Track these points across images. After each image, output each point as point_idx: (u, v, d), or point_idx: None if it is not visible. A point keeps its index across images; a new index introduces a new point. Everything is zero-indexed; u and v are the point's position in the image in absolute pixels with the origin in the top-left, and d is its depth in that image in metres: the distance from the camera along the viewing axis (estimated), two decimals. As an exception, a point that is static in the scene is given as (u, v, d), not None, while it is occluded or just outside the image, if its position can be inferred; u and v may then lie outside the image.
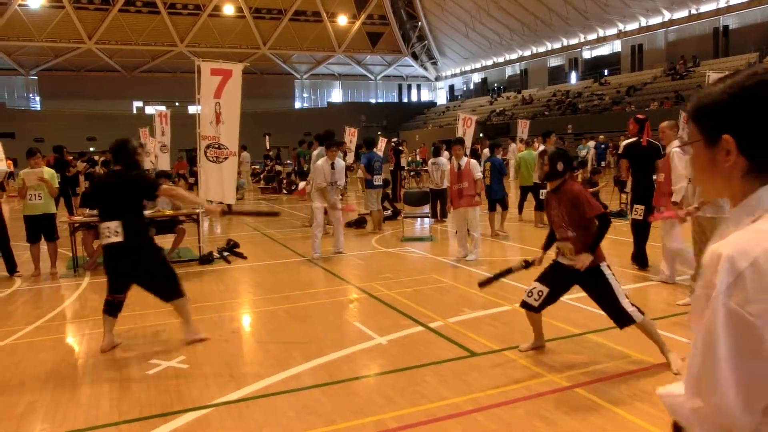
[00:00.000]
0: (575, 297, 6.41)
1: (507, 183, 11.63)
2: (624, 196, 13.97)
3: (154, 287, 5.23)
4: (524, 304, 4.78)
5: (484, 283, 4.97)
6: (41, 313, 6.59)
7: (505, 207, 11.12)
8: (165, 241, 9.62)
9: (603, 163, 22.97)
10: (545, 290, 4.68)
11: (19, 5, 45.84)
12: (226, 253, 9.46)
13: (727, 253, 1.04)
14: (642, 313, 4.41)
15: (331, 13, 54.41)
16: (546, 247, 4.93)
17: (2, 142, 24.04)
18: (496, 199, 10.97)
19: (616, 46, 43.89)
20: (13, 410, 4.05)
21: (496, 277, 4.91)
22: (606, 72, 43.90)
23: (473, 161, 9.00)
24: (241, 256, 9.47)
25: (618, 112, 33.01)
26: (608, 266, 4.56)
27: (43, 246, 8.70)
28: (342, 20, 54.91)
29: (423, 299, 6.59)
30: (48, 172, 8.58)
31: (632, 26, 41.11)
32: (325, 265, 8.76)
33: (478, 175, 8.88)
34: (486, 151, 14.18)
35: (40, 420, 3.91)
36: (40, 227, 8.53)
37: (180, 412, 3.95)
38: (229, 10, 51.42)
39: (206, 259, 9.12)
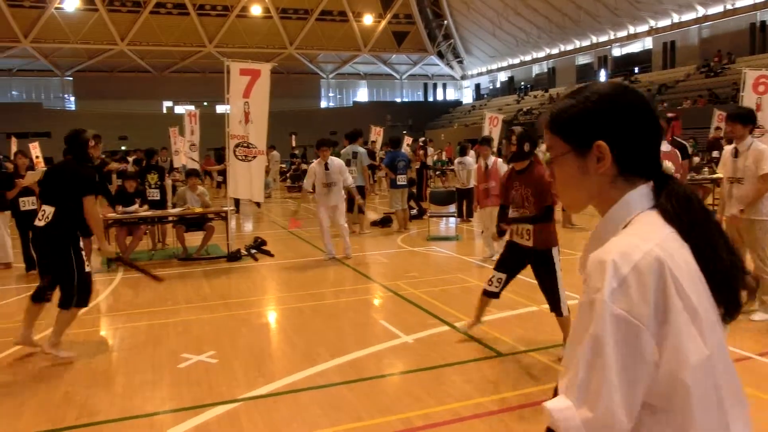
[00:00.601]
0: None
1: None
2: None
3: (58, 281, 5.00)
4: (486, 293, 5.04)
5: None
6: (75, 308, 6.74)
7: None
8: (195, 238, 9.80)
9: None
10: (503, 276, 4.94)
11: (56, 8, 46.87)
12: (253, 251, 9.57)
13: (611, 259, 1.05)
14: (568, 311, 4.69)
15: (357, 12, 54.56)
16: (500, 220, 5.11)
17: (39, 142, 24.66)
18: None
19: (647, 43, 43.21)
20: (51, 399, 4.18)
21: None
22: (636, 70, 43.28)
23: (500, 160, 8.95)
24: (268, 253, 9.58)
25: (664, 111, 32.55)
26: (558, 252, 4.76)
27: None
28: (368, 20, 55.03)
29: (449, 298, 6.60)
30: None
31: (664, 23, 40.44)
32: (351, 264, 8.82)
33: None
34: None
35: (77, 409, 4.02)
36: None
37: (210, 405, 4.02)
38: (256, 10, 51.90)
39: (234, 257, 9.24)
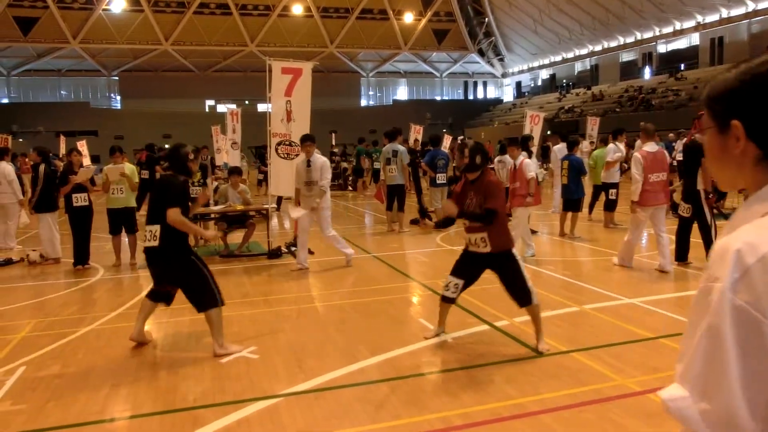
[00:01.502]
0: (648, 300, 6.25)
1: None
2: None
3: (185, 293, 5.12)
4: (444, 299, 5.18)
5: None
6: (122, 301, 6.94)
7: (577, 209, 10.62)
8: (236, 236, 9.94)
9: (674, 163, 22.06)
10: (461, 282, 5.08)
11: (103, 10, 48.15)
12: (293, 248, 9.66)
13: (736, 248, 0.99)
14: (538, 299, 4.94)
15: (397, 10, 54.57)
16: (439, 225, 5.42)
17: (87, 140, 25.37)
18: (574, 199, 10.52)
19: (694, 39, 42.11)
20: (99, 391, 4.31)
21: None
22: (682, 66, 42.21)
23: (527, 161, 8.85)
24: (308, 251, 9.65)
25: (696, 109, 31.73)
26: (516, 252, 5.02)
27: (124, 238, 9.17)
28: (408, 18, 54.99)
29: (489, 298, 6.54)
30: (129, 168, 9.01)
31: (712, 18, 39.32)
32: (389, 262, 8.83)
33: (531, 174, 8.65)
34: (556, 148, 13.91)
35: (122, 401, 4.14)
36: (122, 220, 8.98)
37: (251, 400, 4.09)
38: (297, 9, 52.38)
39: (275, 254, 9.35)
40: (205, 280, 5.01)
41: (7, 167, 9.89)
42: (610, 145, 11.68)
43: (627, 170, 14.91)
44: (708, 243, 7.73)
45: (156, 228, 4.99)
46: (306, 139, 8.38)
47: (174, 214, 4.93)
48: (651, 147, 7.85)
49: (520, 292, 4.91)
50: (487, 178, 4.96)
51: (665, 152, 8.11)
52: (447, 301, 5.20)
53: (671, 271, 7.64)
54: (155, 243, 4.98)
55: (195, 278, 5.01)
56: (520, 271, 4.92)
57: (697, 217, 7.85)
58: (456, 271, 5.12)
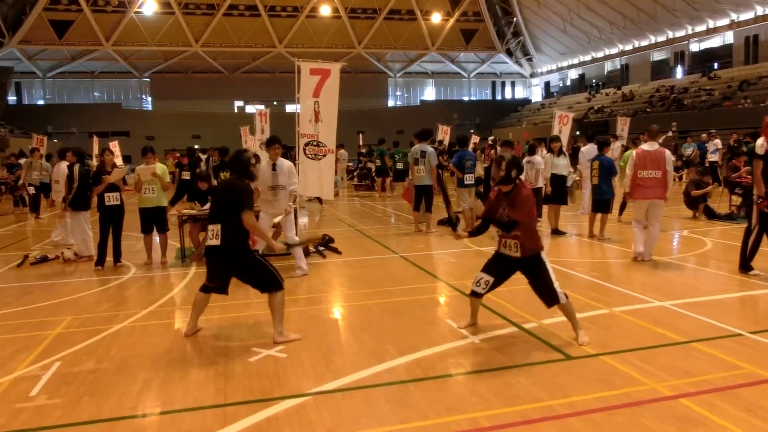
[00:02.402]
0: (679, 303, 6.15)
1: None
2: (734, 198, 13.17)
3: (250, 282, 5.45)
4: (473, 293, 5.44)
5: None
6: (153, 299, 7.06)
7: (606, 210, 10.49)
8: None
9: (706, 163, 21.61)
10: (491, 280, 5.33)
11: (135, 12, 48.97)
12: (321, 248, 9.73)
13: None
14: (566, 296, 5.16)
15: (425, 11, 54.52)
16: (473, 234, 5.65)
17: (118, 140, 25.82)
18: (604, 199, 10.40)
19: (728, 37, 41.31)
20: (132, 386, 4.39)
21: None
22: (716, 65, 41.41)
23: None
24: (335, 251, 9.71)
25: (729, 109, 31.10)
26: (545, 255, 5.28)
27: (155, 237, 9.32)
28: (436, 18, 54.89)
29: (517, 299, 6.51)
30: (160, 168, 9.15)
31: (747, 16, 38.52)
32: (417, 262, 8.83)
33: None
34: (584, 149, 13.75)
35: (154, 397, 4.21)
36: (153, 219, 9.13)
37: (279, 398, 4.12)
38: (325, 11, 52.65)
39: (304, 253, 9.40)
40: (266, 267, 5.34)
41: (64, 167, 10.13)
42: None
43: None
44: (744, 247, 7.48)
45: (218, 227, 5.26)
46: (273, 142, 8.06)
47: (250, 218, 5.28)
48: (649, 146, 8.43)
49: (546, 293, 5.15)
50: (521, 192, 5.23)
51: (664, 152, 8.39)
52: (475, 296, 5.45)
53: (648, 260, 8.34)
54: (217, 242, 5.24)
55: (256, 267, 5.33)
56: (547, 273, 5.17)
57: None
58: (487, 269, 5.39)
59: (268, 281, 5.33)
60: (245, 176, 5.54)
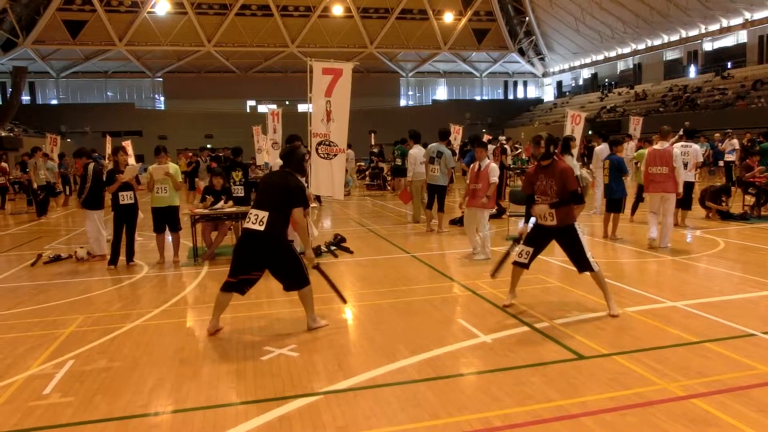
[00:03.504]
0: (692, 303, 6.11)
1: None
2: (748, 198, 13.05)
3: (281, 276, 5.55)
4: (516, 263, 6.08)
5: (494, 272, 6.43)
6: (166, 297, 7.11)
7: (619, 209, 10.44)
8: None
9: (720, 163, 21.40)
10: (531, 250, 6.00)
11: (148, 12, 49.26)
12: (333, 248, 9.74)
13: None
14: (598, 266, 5.83)
15: (437, 10, 54.40)
16: (527, 218, 6.17)
17: (131, 140, 25.99)
18: (615, 198, 10.38)
19: (742, 36, 40.92)
20: (144, 385, 4.42)
21: (502, 262, 6.37)
22: (729, 65, 41.03)
23: (493, 165, 9.12)
24: (347, 250, 9.73)
25: (743, 108, 30.81)
26: (579, 226, 5.96)
27: (168, 236, 9.37)
28: (448, 17, 54.75)
29: (528, 299, 6.49)
30: (173, 168, 9.20)
31: (761, 15, 38.11)
32: (429, 262, 8.82)
33: (494, 179, 8.92)
34: (597, 149, 13.67)
35: (167, 396, 4.24)
36: (165, 218, 9.18)
37: (291, 397, 4.14)
38: (338, 10, 52.67)
39: (315, 253, 9.41)
40: (300, 263, 5.55)
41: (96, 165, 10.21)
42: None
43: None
44: None
45: (264, 214, 5.34)
46: (293, 140, 8.44)
47: (301, 215, 5.49)
48: (660, 145, 9.43)
49: (578, 259, 5.83)
50: (559, 165, 5.91)
51: (671, 150, 9.26)
52: (519, 266, 6.09)
53: (666, 247, 9.22)
54: (260, 227, 5.31)
55: (292, 261, 5.50)
56: (579, 241, 5.84)
57: None
58: (528, 241, 6.04)
59: (298, 278, 5.51)
60: (299, 171, 5.75)
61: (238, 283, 5.48)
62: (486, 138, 21.59)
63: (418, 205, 13.13)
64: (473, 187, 9.05)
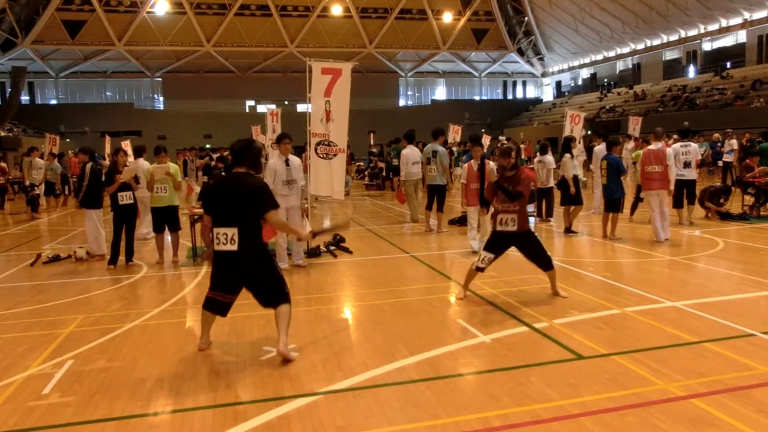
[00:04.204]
0: (691, 303, 6.11)
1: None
2: (747, 198, 13.06)
3: (260, 293, 4.99)
4: (478, 269, 6.50)
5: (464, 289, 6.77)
6: (165, 297, 7.11)
7: (617, 209, 10.38)
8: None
9: (720, 163, 21.41)
10: (491, 256, 6.42)
11: (147, 12, 49.23)
12: (332, 248, 9.74)
13: None
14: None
15: (436, 10, 54.38)
16: (484, 204, 6.93)
17: (130, 140, 25.98)
18: (613, 199, 10.34)
19: (741, 36, 40.93)
20: (143, 386, 4.42)
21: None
22: (728, 65, 41.05)
23: (492, 163, 9.26)
24: (346, 250, 9.72)
25: (742, 108, 30.82)
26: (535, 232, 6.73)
27: (167, 236, 9.36)
28: (447, 17, 54.73)
29: (528, 299, 6.49)
30: (173, 167, 9.20)
31: (760, 14, 38.11)
32: (428, 262, 8.82)
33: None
34: (596, 149, 13.68)
35: (166, 395, 4.23)
36: (165, 218, 9.18)
37: (290, 397, 4.13)
38: (337, 10, 52.64)
39: (314, 253, 9.43)
40: (280, 277, 4.99)
41: (145, 164, 10.21)
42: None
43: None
44: None
45: (233, 231, 4.72)
46: (284, 137, 8.39)
47: (276, 217, 4.91)
48: (655, 146, 10.12)
49: (541, 260, 6.45)
50: (522, 173, 6.43)
51: (665, 150, 10.03)
52: (480, 270, 6.53)
53: (663, 241, 9.76)
54: (233, 247, 4.72)
55: (272, 276, 4.93)
56: (539, 242, 6.51)
57: None
58: (488, 247, 6.48)
59: (278, 294, 4.91)
60: (256, 168, 4.99)
61: (220, 304, 5.00)
62: (486, 138, 21.64)
63: (414, 204, 13.17)
64: (475, 186, 9.16)
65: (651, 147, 10.17)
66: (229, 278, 4.90)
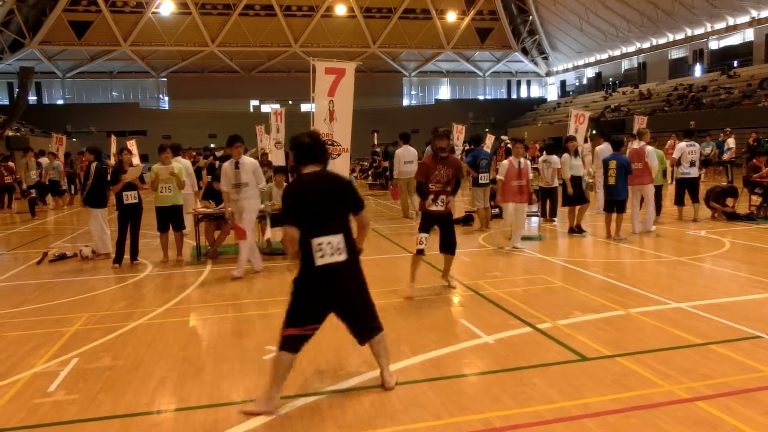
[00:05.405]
0: (696, 304, 6.09)
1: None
2: (754, 198, 13.00)
3: (355, 317, 4.17)
4: (419, 251, 6.80)
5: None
6: (169, 297, 7.12)
7: (623, 210, 10.32)
8: (279, 234, 10.06)
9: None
10: (427, 236, 6.80)
11: (152, 13, 49.37)
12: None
13: None
14: None
15: (440, 10, 54.36)
16: (424, 197, 6.84)
17: (136, 140, 26.03)
18: (620, 200, 10.26)
19: (748, 35, 40.79)
20: (147, 384, 4.44)
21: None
22: (735, 63, 40.90)
23: (527, 162, 9.75)
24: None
25: (749, 107, 30.70)
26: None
27: (171, 236, 9.39)
28: (451, 17, 54.71)
29: (531, 299, 6.48)
30: (177, 167, 9.22)
31: (767, 13, 37.97)
32: (432, 262, 8.80)
33: (501, 177, 9.66)
34: (598, 149, 13.63)
35: (169, 394, 4.25)
36: (169, 217, 9.19)
37: (293, 397, 4.14)
38: (341, 10, 52.68)
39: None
40: (370, 299, 4.22)
41: (186, 161, 10.24)
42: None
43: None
44: None
45: (338, 238, 3.96)
46: (235, 140, 8.15)
47: (366, 218, 4.30)
48: (636, 144, 11.12)
49: (451, 243, 6.97)
50: (454, 158, 6.95)
51: (645, 148, 10.76)
52: (420, 254, 6.82)
53: (651, 231, 10.68)
54: (341, 257, 3.95)
55: (369, 296, 4.22)
56: (454, 229, 7.06)
57: None
58: (422, 228, 6.84)
59: (374, 319, 4.20)
60: (327, 165, 4.24)
61: (307, 339, 4.08)
62: (489, 138, 21.61)
63: (406, 202, 13.82)
64: (517, 183, 9.53)
65: (634, 146, 11.11)
66: (325, 301, 4.03)
